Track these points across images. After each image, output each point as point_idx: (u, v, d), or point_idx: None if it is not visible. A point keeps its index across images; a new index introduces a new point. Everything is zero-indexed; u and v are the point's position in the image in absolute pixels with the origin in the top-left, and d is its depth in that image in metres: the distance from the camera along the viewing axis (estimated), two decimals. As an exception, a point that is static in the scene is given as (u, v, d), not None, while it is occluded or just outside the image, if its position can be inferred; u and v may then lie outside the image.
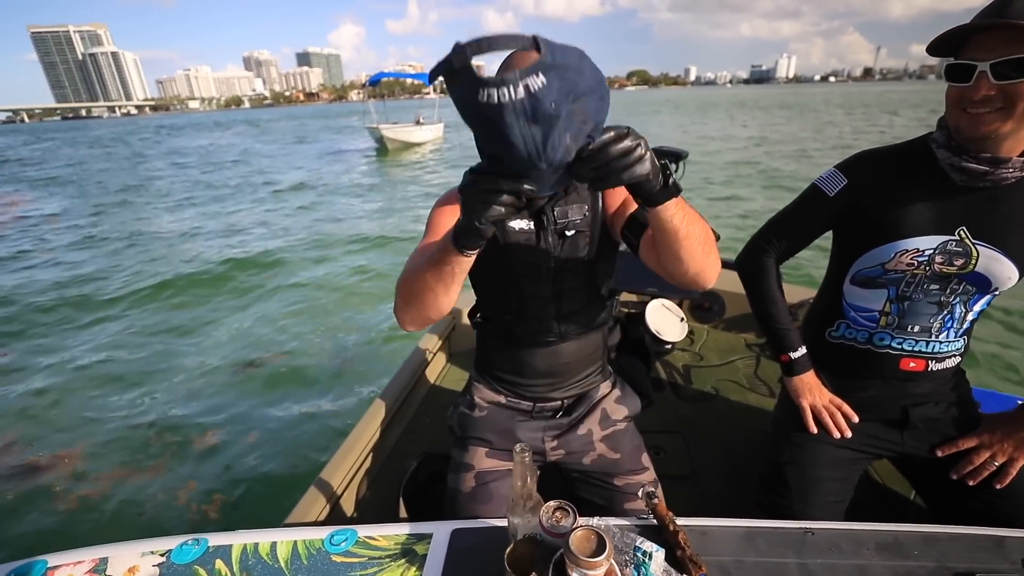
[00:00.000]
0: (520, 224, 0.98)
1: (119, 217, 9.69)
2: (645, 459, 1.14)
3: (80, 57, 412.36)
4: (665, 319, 1.98)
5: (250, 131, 39.78)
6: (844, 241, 1.08)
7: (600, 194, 1.01)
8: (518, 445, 0.70)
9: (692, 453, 1.53)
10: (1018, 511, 0.96)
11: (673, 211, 0.71)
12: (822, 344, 1.14)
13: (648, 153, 0.62)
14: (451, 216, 0.97)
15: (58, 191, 13.34)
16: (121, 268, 6.37)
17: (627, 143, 0.60)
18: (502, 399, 1.15)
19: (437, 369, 2.00)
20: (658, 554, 0.70)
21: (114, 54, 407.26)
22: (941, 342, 1.03)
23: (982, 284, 0.96)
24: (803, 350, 1.12)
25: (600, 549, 0.60)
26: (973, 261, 0.94)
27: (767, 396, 1.80)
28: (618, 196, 1.00)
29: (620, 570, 0.66)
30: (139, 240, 7.81)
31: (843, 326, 1.11)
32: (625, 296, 2.23)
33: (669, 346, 1.99)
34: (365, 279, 5.65)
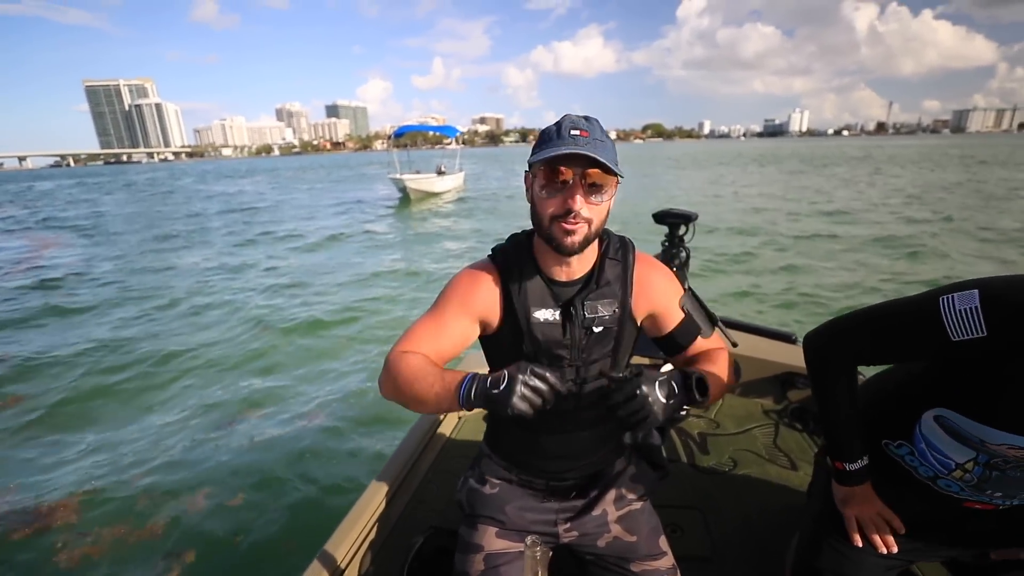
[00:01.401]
0: (546, 315, 0.97)
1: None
2: (663, 543, 1.10)
3: (127, 108, 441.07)
4: (680, 385, 1.94)
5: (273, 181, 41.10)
6: (945, 386, 0.86)
7: (630, 296, 0.99)
8: (528, 538, 0.69)
9: (712, 532, 1.46)
10: None
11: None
12: (876, 450, 1.01)
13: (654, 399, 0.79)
14: (465, 292, 0.99)
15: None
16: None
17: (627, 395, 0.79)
18: (514, 476, 1.13)
19: (448, 430, 1.97)
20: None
21: (158, 105, 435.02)
22: (1020, 499, 0.90)
23: None
24: (863, 462, 0.97)
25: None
26: None
27: (788, 468, 1.73)
28: (644, 308, 1.01)
29: None
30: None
31: (906, 449, 0.95)
32: (636, 359, 2.20)
33: (684, 412, 1.94)
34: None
